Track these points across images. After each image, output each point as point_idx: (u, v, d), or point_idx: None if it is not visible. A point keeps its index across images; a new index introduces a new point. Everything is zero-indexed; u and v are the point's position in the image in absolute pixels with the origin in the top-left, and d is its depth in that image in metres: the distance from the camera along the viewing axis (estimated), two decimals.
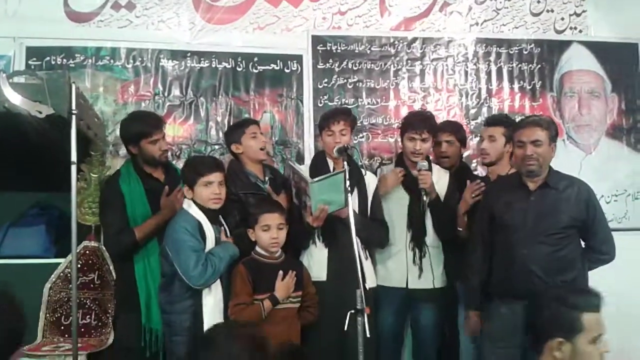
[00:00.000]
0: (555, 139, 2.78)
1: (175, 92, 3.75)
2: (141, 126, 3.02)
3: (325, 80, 3.90)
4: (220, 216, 2.79)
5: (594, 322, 1.86)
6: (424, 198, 3.12)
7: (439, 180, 3.24)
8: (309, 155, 3.75)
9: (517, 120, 3.26)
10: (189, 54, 3.77)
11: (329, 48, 3.92)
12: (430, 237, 3.18)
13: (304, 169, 3.08)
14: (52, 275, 3.11)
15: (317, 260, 2.97)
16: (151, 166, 3.05)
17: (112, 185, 3.01)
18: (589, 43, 4.20)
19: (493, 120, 3.20)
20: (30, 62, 3.56)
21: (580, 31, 4.24)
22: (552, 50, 4.16)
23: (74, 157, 2.53)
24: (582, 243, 2.82)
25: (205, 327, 2.53)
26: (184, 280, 2.55)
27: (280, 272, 2.74)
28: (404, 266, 3.14)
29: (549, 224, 2.69)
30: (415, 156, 3.16)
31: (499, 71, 4.08)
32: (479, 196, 3.07)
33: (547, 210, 2.71)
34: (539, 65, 4.14)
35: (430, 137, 3.16)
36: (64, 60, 3.61)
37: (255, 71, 3.84)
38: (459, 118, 3.93)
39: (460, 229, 3.16)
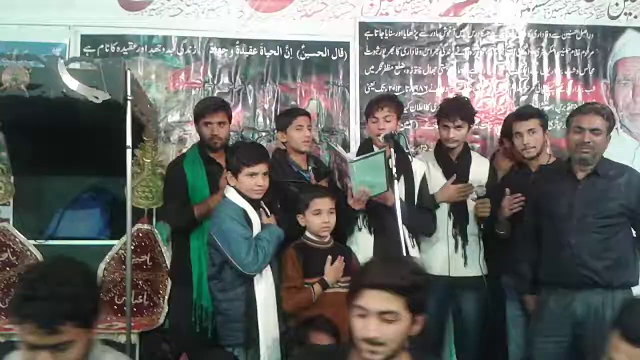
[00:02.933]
0: (611, 130, 2.73)
1: (224, 79, 3.82)
2: (199, 107, 3.20)
3: (372, 67, 3.90)
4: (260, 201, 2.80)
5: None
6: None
7: (479, 168, 3.22)
8: (354, 143, 3.76)
9: (575, 107, 3.18)
10: (237, 42, 3.83)
11: (376, 35, 3.90)
12: (471, 224, 3.16)
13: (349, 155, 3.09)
14: (107, 256, 3.21)
15: (362, 247, 2.96)
16: (210, 150, 3.15)
17: (177, 166, 3.18)
18: None
19: (528, 113, 3.11)
20: (84, 49, 3.68)
21: (635, 17, 4.10)
22: (605, 36, 4.04)
23: (129, 141, 2.62)
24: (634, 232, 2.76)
25: (259, 312, 2.57)
26: (237, 268, 2.55)
27: (329, 256, 2.76)
28: (446, 254, 3.12)
29: (597, 212, 2.63)
30: (449, 143, 3.14)
31: (551, 57, 3.99)
32: (518, 208, 3.01)
33: (595, 198, 2.66)
34: (592, 52, 4.02)
35: (465, 124, 3.11)
36: (118, 48, 3.72)
37: (302, 59, 3.87)
38: (508, 105, 3.87)
39: (503, 232, 3.11)
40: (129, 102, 2.56)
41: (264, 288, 2.63)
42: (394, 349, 1.55)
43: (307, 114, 3.26)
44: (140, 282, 3.26)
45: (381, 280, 1.53)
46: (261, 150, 2.86)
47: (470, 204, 3.16)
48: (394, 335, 1.53)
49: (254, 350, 2.58)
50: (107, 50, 3.71)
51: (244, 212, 2.64)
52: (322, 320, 2.50)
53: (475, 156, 3.30)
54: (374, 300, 1.52)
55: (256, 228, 2.66)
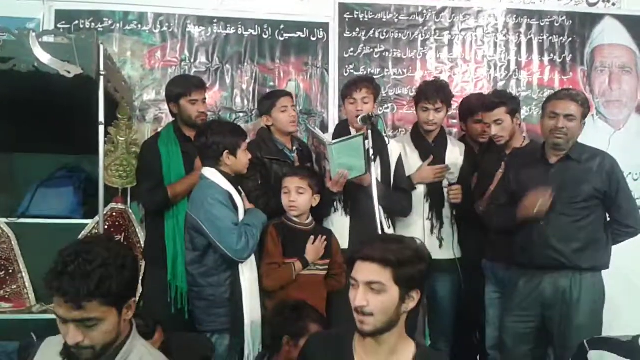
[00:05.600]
0: (586, 117, 2.75)
1: (202, 58, 3.76)
2: (182, 85, 3.14)
3: (352, 49, 3.87)
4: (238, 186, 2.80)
5: None
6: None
7: (454, 151, 3.26)
8: (333, 125, 3.74)
9: (548, 94, 3.21)
10: (215, 20, 3.77)
11: (356, 16, 3.87)
12: (446, 207, 3.21)
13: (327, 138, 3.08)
14: (80, 236, 3.16)
15: (338, 229, 2.98)
16: (190, 128, 3.11)
17: (151, 145, 3.14)
18: (621, 17, 4.10)
19: (493, 103, 3.11)
20: (59, 25, 3.57)
21: (614, 4, 4.14)
22: (583, 23, 4.07)
23: (101, 117, 2.57)
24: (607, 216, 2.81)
25: (244, 297, 2.56)
26: (227, 255, 2.53)
27: (312, 236, 2.76)
28: (421, 236, 3.13)
29: (568, 195, 2.67)
30: (428, 126, 3.15)
31: (529, 43, 4.00)
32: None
33: (567, 182, 2.69)
34: (570, 38, 4.05)
35: (444, 107, 3.14)
36: (92, 24, 3.63)
37: (281, 39, 3.83)
38: (486, 90, 3.85)
39: (481, 208, 3.14)
40: (101, 77, 2.51)
41: (249, 273, 2.62)
42: (384, 321, 1.63)
43: (290, 95, 3.25)
44: None
45: (369, 253, 1.63)
46: None
47: (446, 187, 3.20)
48: (381, 305, 1.61)
49: (238, 336, 2.57)
50: (81, 26, 3.61)
51: (230, 195, 2.61)
52: (309, 308, 2.48)
53: (450, 139, 3.35)
54: (362, 271, 1.63)
55: (241, 212, 2.65)
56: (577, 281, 2.66)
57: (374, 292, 1.60)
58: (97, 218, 2.98)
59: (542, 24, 4.02)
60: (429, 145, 3.23)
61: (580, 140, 2.81)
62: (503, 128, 3.06)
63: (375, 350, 1.67)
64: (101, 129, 2.59)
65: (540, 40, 4.02)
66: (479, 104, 3.28)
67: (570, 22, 4.05)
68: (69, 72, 2.37)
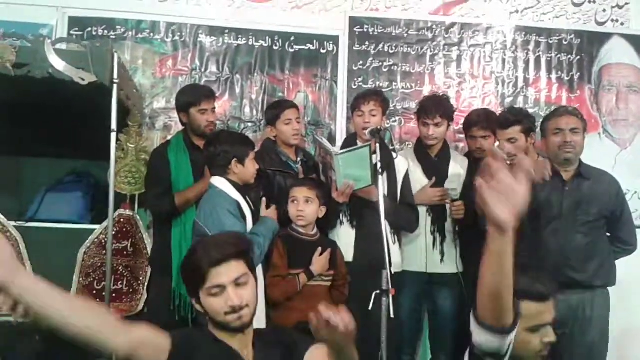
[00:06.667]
0: (585, 131, 2.79)
1: (212, 68, 3.79)
2: (192, 95, 3.16)
3: (361, 62, 3.90)
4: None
5: (533, 311, 1.75)
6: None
7: (458, 166, 3.26)
8: (340, 137, 3.76)
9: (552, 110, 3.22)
10: (227, 31, 3.80)
11: (365, 30, 3.90)
12: (448, 221, 3.21)
13: (334, 148, 3.10)
14: (87, 241, 3.18)
15: (344, 241, 2.98)
16: (199, 137, 3.13)
17: (161, 152, 3.16)
18: (630, 36, 4.11)
19: (508, 122, 3.07)
20: (72, 32, 3.62)
21: (622, 24, 4.16)
22: (592, 41, 4.08)
23: (114, 125, 2.60)
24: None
25: None
26: None
27: (319, 247, 2.77)
28: (423, 250, 3.16)
29: (584, 213, 2.69)
30: (429, 140, 3.16)
31: (537, 60, 4.02)
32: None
33: (582, 200, 2.71)
34: (578, 57, 4.06)
35: (444, 121, 3.15)
36: (105, 31, 3.67)
37: (292, 50, 3.86)
38: (494, 106, 3.87)
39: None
40: (115, 85, 2.53)
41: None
42: (254, 310, 1.72)
43: (295, 107, 3.26)
44: (120, 268, 3.24)
45: (221, 253, 1.68)
46: None
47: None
48: (252, 293, 1.72)
49: None
50: (94, 33, 3.65)
51: (238, 204, 2.63)
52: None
53: (454, 154, 3.35)
54: (224, 274, 1.67)
55: (249, 222, 2.66)
56: (590, 299, 2.67)
57: (241, 286, 1.67)
58: (105, 223, 3.00)
59: (550, 42, 4.04)
60: (432, 160, 3.25)
61: (586, 158, 2.83)
62: (517, 147, 3.02)
63: (245, 343, 1.71)
64: (113, 136, 2.62)
65: (549, 58, 4.04)
66: (474, 120, 3.30)
67: (579, 40, 4.07)
68: (83, 80, 2.40)
